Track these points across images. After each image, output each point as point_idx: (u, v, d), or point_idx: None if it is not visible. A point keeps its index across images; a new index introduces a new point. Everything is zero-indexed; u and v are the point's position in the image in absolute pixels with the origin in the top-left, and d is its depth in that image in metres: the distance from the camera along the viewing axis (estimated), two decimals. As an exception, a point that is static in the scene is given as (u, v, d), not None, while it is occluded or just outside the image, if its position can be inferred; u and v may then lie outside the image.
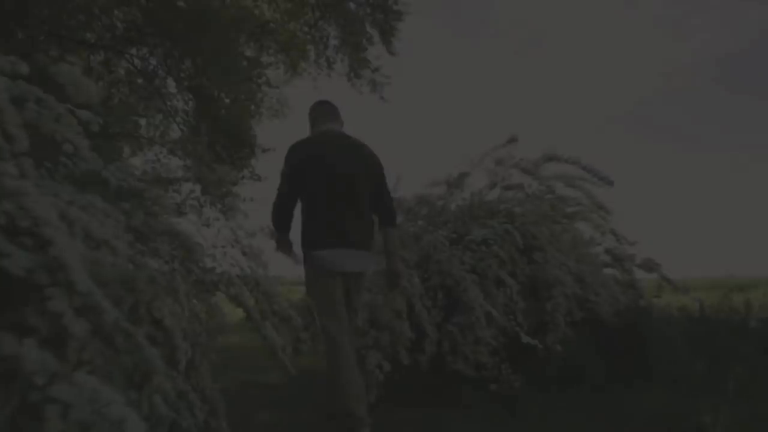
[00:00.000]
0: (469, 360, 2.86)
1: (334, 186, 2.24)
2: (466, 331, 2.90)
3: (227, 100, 6.39)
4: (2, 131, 0.94)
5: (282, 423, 2.73)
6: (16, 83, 1.14)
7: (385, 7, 5.87)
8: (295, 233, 2.40)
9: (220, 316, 2.14)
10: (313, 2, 6.20)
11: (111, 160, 1.87)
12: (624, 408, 2.52)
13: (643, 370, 2.93)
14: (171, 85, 6.07)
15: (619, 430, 2.34)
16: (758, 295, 5.62)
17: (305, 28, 6.38)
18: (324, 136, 2.37)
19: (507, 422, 2.50)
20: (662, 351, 2.95)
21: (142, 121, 7.16)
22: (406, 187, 4.12)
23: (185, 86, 5.60)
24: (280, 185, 2.37)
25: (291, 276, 3.34)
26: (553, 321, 3.07)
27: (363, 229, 2.30)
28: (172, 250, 1.92)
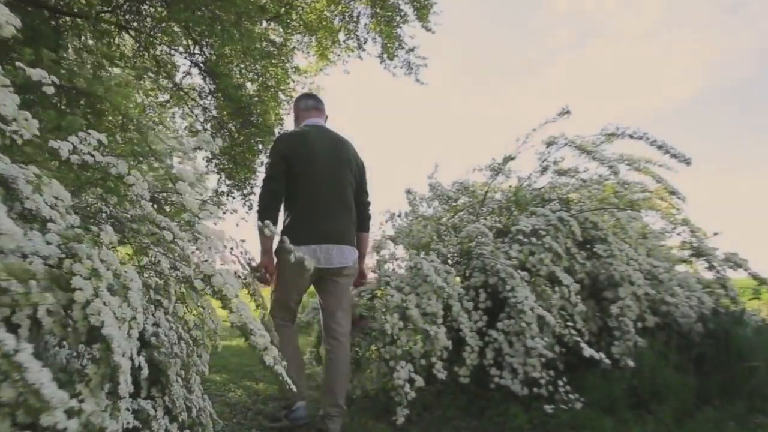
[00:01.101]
0: (517, 374, 2.39)
1: (319, 181, 2.25)
2: (514, 339, 2.43)
3: (252, 87, 6.07)
4: None
5: None
6: None
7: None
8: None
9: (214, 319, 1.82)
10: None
11: (74, 131, 1.55)
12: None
13: (736, 389, 2.38)
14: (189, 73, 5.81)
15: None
16: None
17: (333, 5, 5.97)
18: (311, 131, 2.39)
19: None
20: (760, 365, 2.39)
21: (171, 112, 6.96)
22: (443, 175, 3.70)
23: (204, 69, 5.29)
24: (268, 176, 2.28)
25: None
26: (621, 328, 2.55)
27: (347, 225, 2.30)
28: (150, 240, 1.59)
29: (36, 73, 1.35)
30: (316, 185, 2.22)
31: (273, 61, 5.81)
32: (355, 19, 5.92)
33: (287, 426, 2.22)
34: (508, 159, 3.65)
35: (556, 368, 2.43)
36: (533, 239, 2.69)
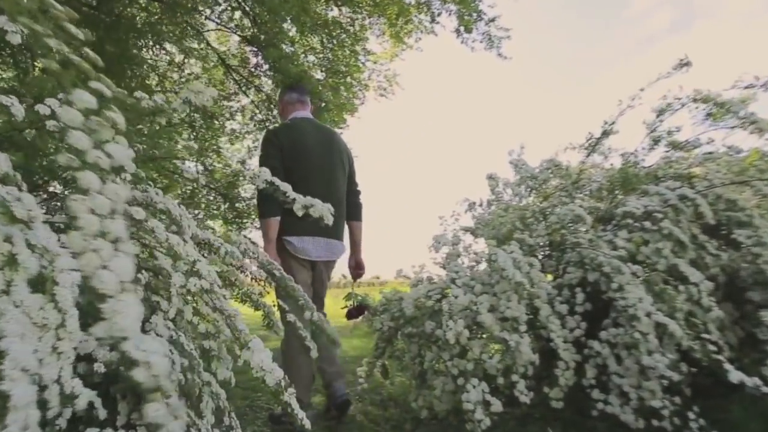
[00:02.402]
0: (629, 400, 1.84)
1: (312, 174, 2.27)
2: (624, 354, 1.88)
3: (311, 63, 5.77)
4: None
5: None
6: None
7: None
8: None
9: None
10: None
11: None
12: None
13: None
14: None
15: None
16: None
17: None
18: (301, 124, 2.41)
19: None
20: None
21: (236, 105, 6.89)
22: (529, 160, 3.18)
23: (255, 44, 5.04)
24: (267, 167, 2.17)
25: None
26: (777, 341, 1.90)
27: (338, 219, 2.24)
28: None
29: None
30: (309, 178, 2.21)
31: (335, 36, 5.46)
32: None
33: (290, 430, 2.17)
34: (608, 132, 3.05)
35: (683, 394, 1.84)
36: (646, 224, 2.10)
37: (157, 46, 5.31)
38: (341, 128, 6.72)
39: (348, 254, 2.59)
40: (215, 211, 6.39)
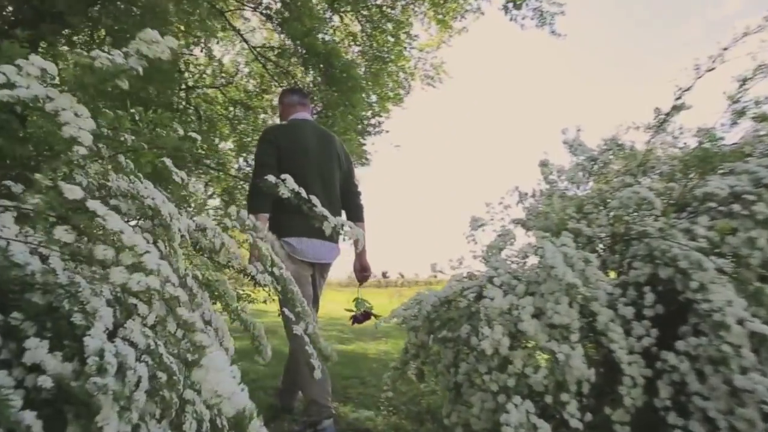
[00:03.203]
0: (718, 428, 1.46)
1: (307, 175, 2.24)
2: (709, 370, 1.51)
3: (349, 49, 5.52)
4: None
5: None
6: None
7: None
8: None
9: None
10: None
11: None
12: None
13: None
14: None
15: None
16: None
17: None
18: (299, 125, 2.43)
19: None
20: None
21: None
22: (588, 138, 2.81)
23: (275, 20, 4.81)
24: (261, 164, 2.29)
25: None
26: None
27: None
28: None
29: None
30: (303, 179, 2.09)
31: (375, 21, 5.18)
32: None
33: None
34: (680, 106, 2.61)
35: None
36: (735, 207, 1.70)
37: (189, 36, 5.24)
38: (384, 117, 6.48)
39: (353, 257, 2.56)
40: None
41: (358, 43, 5.80)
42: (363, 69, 5.46)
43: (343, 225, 1.49)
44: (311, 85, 5.03)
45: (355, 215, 2.46)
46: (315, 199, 1.48)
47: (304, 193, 1.53)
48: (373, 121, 6.08)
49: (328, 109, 4.60)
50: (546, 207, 2.31)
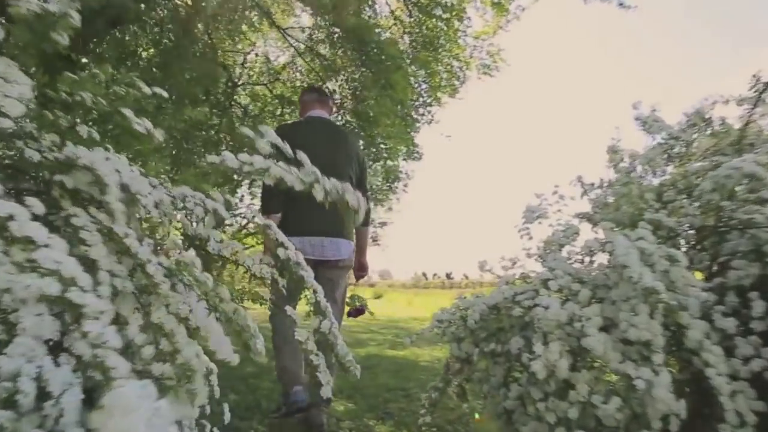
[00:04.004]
0: None
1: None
2: None
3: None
4: None
5: None
6: None
7: None
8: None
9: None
10: None
11: None
12: None
13: None
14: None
15: None
16: None
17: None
18: (312, 122, 2.45)
19: None
20: None
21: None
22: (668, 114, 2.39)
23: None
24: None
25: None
26: None
27: (342, 218, 2.12)
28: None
29: None
30: None
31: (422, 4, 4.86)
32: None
33: (287, 413, 2.20)
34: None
35: None
36: None
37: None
38: (437, 107, 6.16)
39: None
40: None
41: (406, 29, 5.51)
42: (410, 54, 5.15)
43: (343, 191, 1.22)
44: (343, 68, 4.81)
45: (363, 219, 2.47)
46: (304, 158, 1.27)
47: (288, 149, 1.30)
48: (422, 111, 5.79)
49: (363, 92, 4.33)
50: (619, 196, 1.95)
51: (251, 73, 6.62)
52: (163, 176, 1.28)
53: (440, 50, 5.60)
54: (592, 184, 2.60)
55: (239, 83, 5.88)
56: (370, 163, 6.18)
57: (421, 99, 5.93)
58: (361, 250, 2.55)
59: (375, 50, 3.99)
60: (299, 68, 6.25)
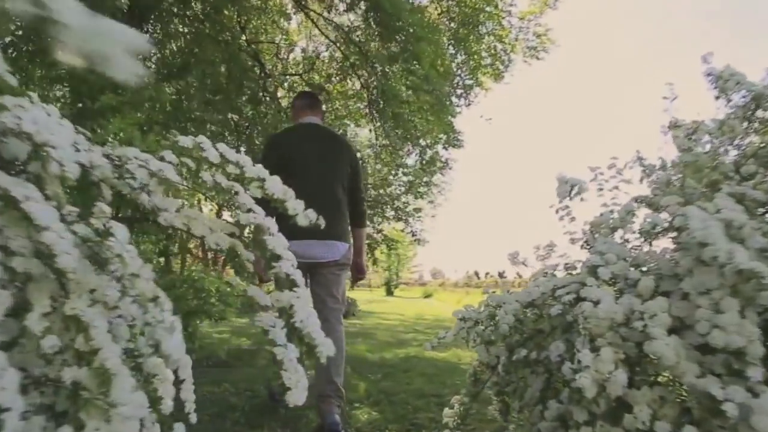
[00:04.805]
0: None
1: (309, 178, 2.30)
2: None
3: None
4: None
5: None
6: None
7: None
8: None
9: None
10: None
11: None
12: None
13: None
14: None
15: None
16: None
17: None
18: (303, 128, 2.51)
19: None
20: None
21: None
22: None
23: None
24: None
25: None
26: None
27: (336, 221, 2.33)
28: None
29: None
30: (304, 182, 2.09)
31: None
32: None
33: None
34: None
35: None
36: None
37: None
38: (480, 91, 5.80)
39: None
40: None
41: (443, 8, 5.16)
42: (447, 32, 4.81)
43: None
44: (358, 35, 4.54)
45: (356, 221, 2.54)
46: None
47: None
48: (460, 92, 5.44)
49: (384, 66, 4.01)
50: (685, 166, 1.59)
51: (288, 63, 6.49)
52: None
53: (481, 28, 5.23)
54: (654, 165, 2.23)
55: (272, 74, 5.74)
56: (399, 143, 5.91)
57: (460, 81, 5.58)
58: (358, 251, 2.57)
59: (391, 15, 3.63)
60: (336, 57, 6.05)
